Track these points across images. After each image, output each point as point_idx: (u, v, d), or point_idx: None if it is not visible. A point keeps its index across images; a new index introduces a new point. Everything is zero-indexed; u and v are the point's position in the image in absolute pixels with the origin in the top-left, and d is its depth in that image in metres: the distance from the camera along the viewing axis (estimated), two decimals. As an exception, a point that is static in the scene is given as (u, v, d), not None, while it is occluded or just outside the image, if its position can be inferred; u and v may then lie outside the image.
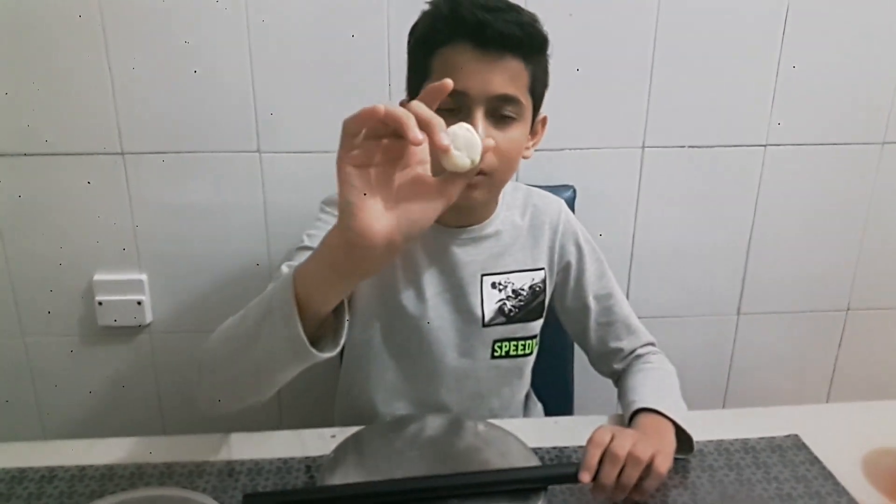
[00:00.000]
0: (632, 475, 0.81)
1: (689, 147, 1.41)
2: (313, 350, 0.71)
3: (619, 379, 1.13)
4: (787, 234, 1.51)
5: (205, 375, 0.85)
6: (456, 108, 0.91)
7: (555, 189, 1.20)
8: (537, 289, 1.09)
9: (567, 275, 1.12)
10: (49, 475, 0.90)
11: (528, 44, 0.91)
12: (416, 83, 0.96)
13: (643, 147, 1.40)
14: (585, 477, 0.80)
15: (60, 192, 1.33)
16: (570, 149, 1.39)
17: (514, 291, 1.08)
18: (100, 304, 1.40)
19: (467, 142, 0.68)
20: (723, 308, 1.57)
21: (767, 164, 1.44)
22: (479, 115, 0.90)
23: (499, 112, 0.92)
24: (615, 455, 0.81)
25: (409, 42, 0.98)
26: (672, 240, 1.49)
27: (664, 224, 1.47)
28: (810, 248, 1.53)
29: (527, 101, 0.94)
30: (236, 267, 1.38)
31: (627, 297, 1.47)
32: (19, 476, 0.90)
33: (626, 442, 0.82)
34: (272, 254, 1.39)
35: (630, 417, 0.97)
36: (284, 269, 0.98)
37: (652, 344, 1.15)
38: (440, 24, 0.92)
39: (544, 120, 1.03)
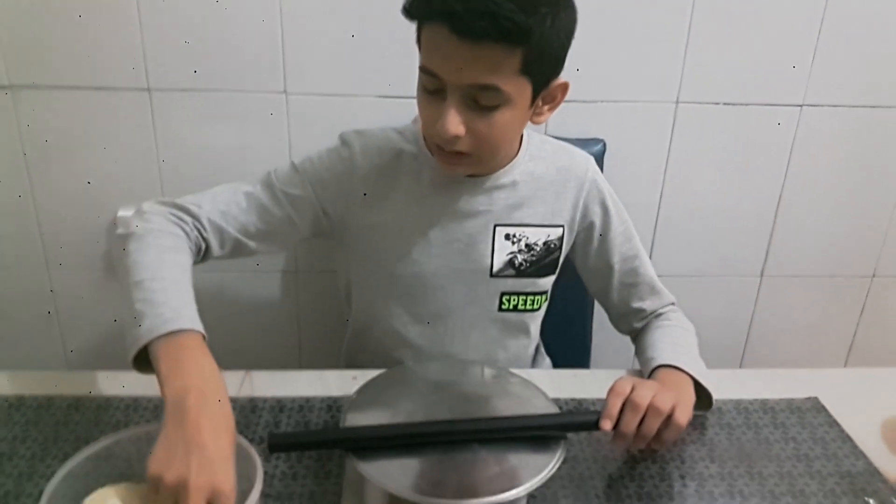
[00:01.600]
0: (652, 425, 0.82)
1: (724, 104, 1.38)
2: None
3: (637, 336, 1.13)
4: (816, 198, 1.49)
5: (116, 250, 0.90)
6: (435, 90, 0.89)
7: (584, 143, 1.18)
8: (552, 245, 1.08)
9: (590, 234, 1.10)
10: (76, 404, 0.92)
11: (509, 32, 0.81)
12: (417, 42, 0.91)
13: (677, 102, 1.37)
14: (606, 425, 0.81)
15: (87, 127, 1.32)
16: (601, 101, 1.36)
17: (527, 245, 1.06)
18: (123, 240, 1.41)
19: None
20: (746, 269, 1.55)
21: (802, 124, 1.41)
22: (452, 104, 0.87)
23: (479, 101, 0.87)
24: (636, 404, 0.81)
25: None
26: (700, 198, 1.47)
27: (693, 182, 1.45)
28: (840, 213, 1.51)
29: (516, 85, 0.87)
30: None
31: (651, 255, 1.47)
32: (46, 404, 0.92)
33: (647, 392, 0.82)
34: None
35: (649, 374, 0.97)
36: (260, 177, 1.03)
37: (672, 304, 1.14)
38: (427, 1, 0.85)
39: (564, 86, 0.94)
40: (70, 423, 0.89)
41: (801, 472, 0.85)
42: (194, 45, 1.27)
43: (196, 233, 0.95)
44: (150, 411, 0.91)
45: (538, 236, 1.06)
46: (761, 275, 1.56)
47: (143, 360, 0.77)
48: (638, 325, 1.13)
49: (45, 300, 1.47)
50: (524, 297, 1.09)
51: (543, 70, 0.89)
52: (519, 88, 0.87)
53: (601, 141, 1.29)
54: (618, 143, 1.32)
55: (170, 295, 0.81)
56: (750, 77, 1.37)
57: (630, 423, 0.81)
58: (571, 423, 0.83)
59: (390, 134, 1.06)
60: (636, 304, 1.13)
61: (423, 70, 0.88)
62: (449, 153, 0.93)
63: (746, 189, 1.47)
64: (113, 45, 1.27)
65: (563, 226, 1.08)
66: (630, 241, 1.12)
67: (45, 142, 1.33)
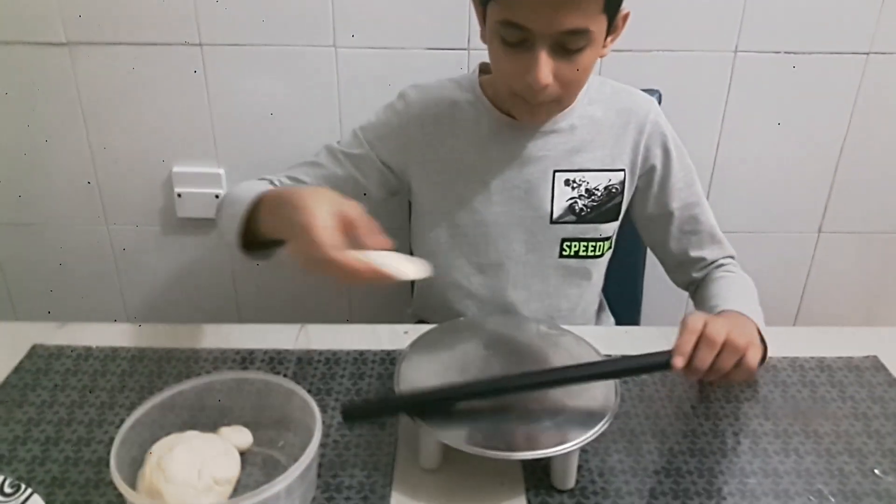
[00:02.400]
0: (727, 361, 0.81)
1: (785, 53, 1.33)
2: (241, 253, 0.91)
3: (697, 288, 1.11)
4: (879, 151, 1.43)
5: (217, 217, 1.03)
6: (519, 42, 0.87)
7: (639, 93, 1.15)
8: (614, 190, 1.06)
9: (651, 178, 1.08)
10: (139, 355, 0.95)
11: None
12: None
13: (735, 51, 1.32)
14: (679, 362, 0.78)
15: (141, 82, 1.34)
16: (657, 50, 1.32)
17: (587, 191, 1.05)
18: (179, 196, 1.44)
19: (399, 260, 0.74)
20: (803, 226, 1.51)
21: (868, 74, 1.35)
22: (543, 55, 0.87)
23: (567, 46, 0.87)
24: (712, 340, 0.80)
25: None
26: (757, 152, 1.43)
27: (751, 135, 1.41)
28: (903, 167, 1.45)
29: (599, 23, 0.87)
30: (311, 163, 1.39)
31: (705, 208, 1.44)
32: (112, 355, 0.95)
33: (721, 328, 0.81)
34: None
35: None
36: (323, 148, 1.09)
37: (732, 256, 1.12)
38: None
39: (626, 16, 0.94)
40: (135, 373, 0.92)
41: (858, 431, 0.84)
42: (245, 1, 1.27)
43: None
44: (209, 363, 0.94)
45: (599, 181, 1.05)
46: (819, 231, 1.51)
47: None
48: (697, 275, 1.11)
49: (105, 255, 1.52)
50: (585, 244, 1.08)
51: (619, 2, 0.89)
52: (600, 25, 0.88)
53: (656, 91, 1.25)
54: (673, 94, 1.28)
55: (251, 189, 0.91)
56: (812, 24, 1.31)
57: (705, 360, 0.80)
58: (642, 365, 0.82)
59: (446, 83, 1.07)
60: (695, 253, 1.10)
61: (507, 24, 0.86)
62: (535, 103, 0.93)
63: (806, 142, 1.42)
64: (165, 1, 1.27)
65: (623, 170, 1.06)
66: (691, 187, 1.10)
67: (100, 98, 1.36)
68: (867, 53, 1.33)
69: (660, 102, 1.25)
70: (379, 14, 1.29)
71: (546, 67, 0.87)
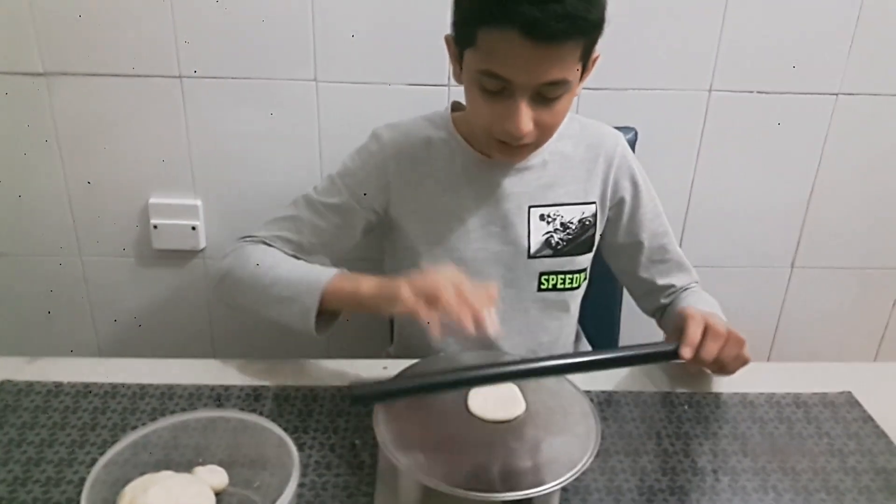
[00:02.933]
0: (731, 352, 0.88)
1: (758, 93, 1.36)
2: (316, 336, 0.94)
3: (664, 312, 1.15)
4: (850, 188, 1.46)
5: (226, 289, 1.04)
6: (498, 91, 0.89)
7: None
8: (587, 223, 1.08)
9: (621, 210, 1.11)
10: (112, 391, 0.93)
11: (584, 29, 0.84)
12: (462, 38, 0.91)
13: (710, 90, 1.35)
14: (687, 353, 0.84)
15: (119, 114, 1.34)
16: (634, 89, 1.35)
17: (562, 224, 1.07)
18: (155, 227, 1.42)
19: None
20: (777, 261, 1.54)
21: (837, 113, 1.38)
22: (523, 104, 0.88)
23: (546, 95, 0.89)
24: (717, 332, 0.86)
25: None
26: (731, 188, 1.45)
27: (725, 171, 1.43)
28: (873, 203, 1.48)
29: (576, 71, 0.89)
30: (290, 196, 1.37)
31: (681, 244, 1.45)
32: (84, 391, 0.93)
33: (721, 322, 0.88)
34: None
35: None
36: (300, 198, 1.08)
37: (696, 282, 1.17)
38: (488, 3, 0.84)
39: (596, 59, 0.95)
40: (108, 410, 0.90)
41: (835, 468, 0.85)
42: (225, 34, 1.28)
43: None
44: (184, 399, 0.92)
45: (573, 214, 1.07)
46: (792, 266, 1.54)
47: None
48: (665, 301, 1.15)
49: (78, 287, 1.49)
50: (563, 276, 1.10)
51: (592, 49, 0.91)
52: (576, 74, 0.90)
53: (632, 129, 1.27)
54: (649, 132, 1.31)
55: (299, 271, 0.98)
56: (785, 65, 1.34)
57: (711, 350, 0.86)
58: (652, 353, 0.87)
59: (418, 121, 1.08)
60: (663, 281, 1.14)
61: (487, 73, 0.87)
62: (514, 147, 0.95)
63: (779, 179, 1.45)
64: (145, 32, 1.27)
65: (595, 202, 1.09)
66: (658, 217, 1.13)
67: (77, 129, 1.35)
68: (836, 94, 1.37)
69: (636, 139, 1.27)
70: (360, 49, 1.30)
71: (526, 116, 0.89)
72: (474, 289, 0.82)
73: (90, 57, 1.29)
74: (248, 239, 1.07)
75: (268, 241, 1.06)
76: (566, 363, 0.82)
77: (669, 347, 0.84)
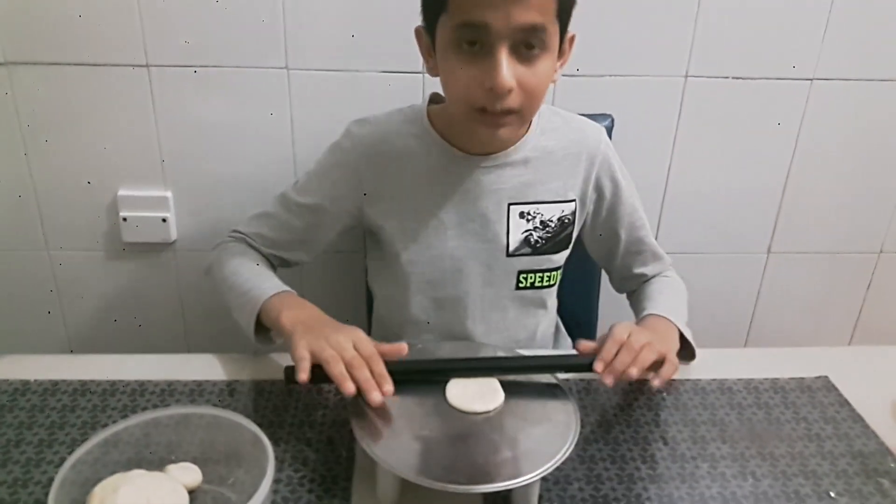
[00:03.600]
0: (646, 359, 0.87)
1: (734, 78, 1.36)
2: (260, 346, 0.97)
3: (633, 293, 1.17)
4: (825, 173, 1.47)
5: (210, 283, 1.07)
6: (476, 43, 0.86)
7: (592, 117, 1.15)
8: (566, 221, 1.07)
9: (600, 206, 1.10)
10: (81, 388, 0.91)
11: None
12: (433, 8, 0.90)
13: (686, 76, 1.35)
14: (599, 366, 0.86)
15: (85, 104, 1.30)
16: (610, 75, 1.34)
17: (542, 223, 1.05)
18: (124, 220, 1.39)
19: None
20: (753, 246, 1.54)
21: (812, 98, 1.39)
22: (503, 55, 0.85)
23: (525, 44, 0.86)
24: (631, 347, 0.87)
25: None
26: (708, 174, 1.45)
27: (701, 158, 1.43)
28: (848, 189, 1.49)
29: (554, 29, 0.88)
30: (263, 187, 1.36)
31: (657, 230, 1.47)
32: (52, 388, 0.91)
33: (642, 338, 0.88)
34: (298, 172, 1.36)
35: (639, 320, 1.03)
36: (294, 196, 1.07)
37: (669, 265, 1.18)
38: None
39: (572, 39, 0.94)
40: (77, 407, 0.88)
41: (812, 453, 0.85)
42: (193, 21, 1.25)
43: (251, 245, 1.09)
44: (156, 395, 0.90)
45: (552, 212, 1.05)
46: (768, 251, 1.55)
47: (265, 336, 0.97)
48: (635, 287, 1.17)
49: (46, 282, 1.46)
50: (540, 275, 1.08)
51: (569, 12, 0.90)
52: (554, 30, 0.88)
53: (609, 116, 1.27)
54: (626, 119, 1.30)
55: (251, 282, 0.99)
56: (760, 51, 1.34)
57: (623, 361, 0.86)
58: (567, 364, 0.92)
59: (392, 116, 1.05)
60: (639, 270, 1.15)
61: (463, 25, 0.85)
62: (496, 113, 0.90)
63: (755, 164, 1.45)
64: (110, 20, 1.24)
65: (574, 200, 1.07)
66: (637, 212, 1.13)
67: (42, 120, 1.31)
68: (811, 79, 1.37)
69: (612, 126, 1.27)
70: (332, 36, 1.28)
71: (508, 68, 0.85)
72: (373, 356, 0.83)
73: (53, 45, 1.25)
74: (234, 234, 1.09)
75: (248, 239, 1.08)
76: (486, 366, 0.89)
77: (585, 361, 0.87)
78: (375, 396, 0.79)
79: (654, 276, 1.15)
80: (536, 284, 1.09)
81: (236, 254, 1.05)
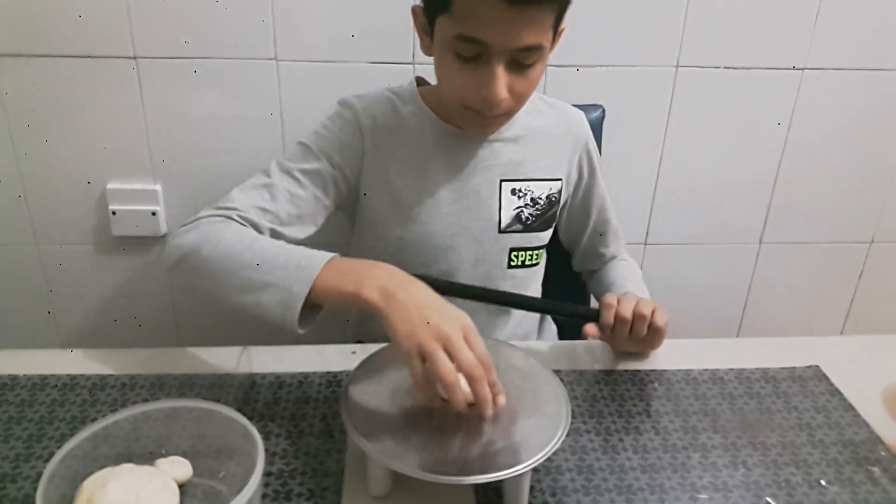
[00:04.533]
0: (640, 330, 0.93)
1: (725, 68, 1.36)
2: (299, 331, 0.81)
3: (594, 273, 1.21)
4: (816, 163, 1.47)
5: (187, 269, 0.88)
6: (474, 56, 0.87)
7: (583, 108, 1.16)
8: (553, 199, 1.09)
9: (579, 186, 1.14)
10: (71, 383, 0.90)
11: None
12: (434, 4, 0.89)
13: (677, 66, 1.35)
14: (592, 329, 0.94)
15: (72, 97, 1.29)
16: (600, 66, 1.34)
17: (532, 200, 1.07)
18: (113, 213, 1.38)
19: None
20: (745, 237, 1.54)
21: (803, 88, 1.39)
22: (500, 69, 0.87)
23: (521, 61, 0.88)
24: (622, 317, 0.92)
25: None
26: (699, 164, 1.45)
27: (692, 148, 1.43)
28: (839, 179, 1.50)
29: (550, 36, 0.90)
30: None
31: (648, 221, 1.46)
32: (41, 383, 0.90)
33: (629, 304, 0.93)
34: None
35: None
36: (273, 166, 1.00)
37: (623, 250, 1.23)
38: None
39: (562, 31, 0.94)
40: (66, 402, 0.87)
41: (803, 442, 0.85)
42: (181, 12, 1.24)
43: (244, 222, 0.93)
44: (146, 389, 0.90)
45: (542, 190, 1.07)
46: (760, 242, 1.55)
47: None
48: (595, 266, 1.22)
49: (35, 276, 1.45)
50: (530, 252, 1.10)
51: (561, 19, 0.91)
52: (549, 40, 0.90)
53: (600, 107, 1.26)
54: (617, 109, 1.30)
55: (286, 253, 0.84)
56: (751, 40, 1.34)
57: (622, 332, 0.93)
58: (573, 312, 0.99)
59: (385, 94, 1.06)
60: (602, 249, 1.19)
61: (463, 38, 0.86)
62: (489, 116, 0.93)
63: (746, 155, 1.45)
64: (98, 12, 1.23)
65: (561, 179, 1.10)
66: (605, 191, 1.16)
67: (29, 113, 1.30)
68: (802, 69, 1.37)
69: (603, 117, 1.26)
70: (321, 26, 1.27)
71: (503, 83, 0.88)
72: (486, 358, 0.74)
73: (39, 37, 1.24)
74: (215, 213, 0.93)
75: (242, 215, 0.93)
76: (497, 298, 1.01)
77: (591, 314, 0.95)
78: (489, 412, 0.72)
79: (612, 258, 1.19)
80: (527, 263, 1.10)
81: (236, 230, 0.90)
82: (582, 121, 1.12)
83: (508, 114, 0.96)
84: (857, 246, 1.58)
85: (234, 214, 0.93)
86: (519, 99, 0.93)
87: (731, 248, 1.55)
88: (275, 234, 0.96)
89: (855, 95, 1.41)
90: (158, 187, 1.38)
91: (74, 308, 1.49)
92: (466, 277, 1.07)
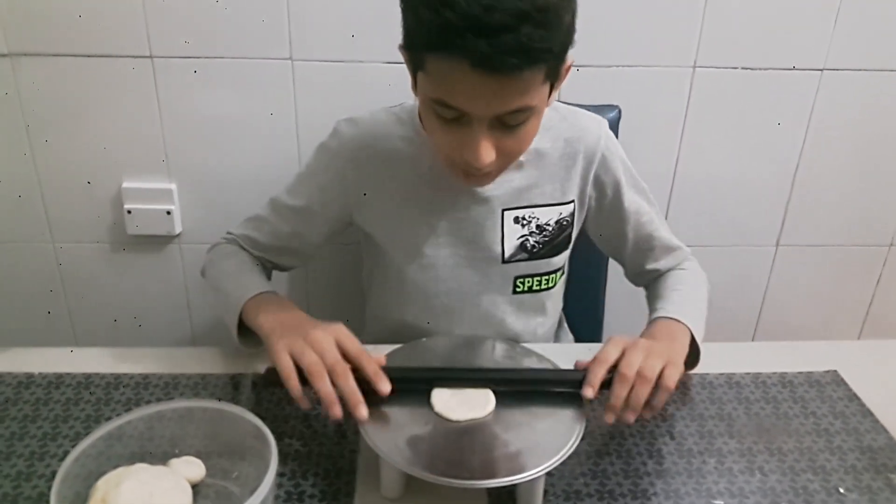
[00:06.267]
0: (640, 395, 0.79)
1: (743, 69, 1.34)
2: (244, 349, 0.94)
3: (648, 286, 1.11)
4: (835, 165, 1.45)
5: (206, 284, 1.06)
6: (455, 118, 0.80)
7: (599, 109, 1.14)
8: (565, 223, 1.03)
9: (602, 204, 1.05)
10: (85, 381, 0.91)
11: (542, 59, 0.75)
12: (412, 60, 0.83)
13: (694, 67, 1.33)
14: (588, 392, 0.79)
15: (88, 96, 1.30)
16: (617, 66, 1.32)
17: (538, 227, 1.02)
18: (129, 212, 1.39)
19: None
20: (762, 239, 1.53)
21: (822, 89, 1.37)
22: (482, 136, 0.80)
23: (508, 122, 0.81)
24: (624, 375, 0.79)
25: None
26: (716, 166, 1.44)
27: (709, 149, 1.42)
28: (858, 181, 1.47)
29: (541, 94, 0.80)
30: (268, 178, 1.35)
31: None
32: (56, 382, 0.91)
33: (635, 359, 0.80)
34: (303, 164, 1.35)
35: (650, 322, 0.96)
36: (284, 198, 1.05)
37: (686, 258, 1.11)
38: (430, 30, 0.74)
39: (570, 66, 0.84)
40: (80, 401, 0.88)
41: (821, 448, 0.84)
42: (197, 11, 1.24)
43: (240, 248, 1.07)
44: (160, 388, 0.90)
45: (549, 216, 1.02)
46: (777, 244, 1.53)
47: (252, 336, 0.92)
48: (650, 281, 1.11)
49: (52, 275, 1.46)
50: (538, 278, 1.05)
51: (560, 68, 0.82)
52: (542, 95, 0.81)
53: (616, 107, 1.25)
54: (633, 110, 1.28)
55: (234, 283, 0.97)
56: (769, 41, 1.33)
57: (619, 395, 0.79)
58: (559, 379, 0.84)
59: (382, 117, 1.01)
60: (651, 266, 1.10)
61: (440, 103, 0.80)
62: (478, 174, 0.87)
63: (763, 156, 1.43)
64: (114, 11, 1.23)
65: (573, 201, 1.03)
66: (642, 206, 1.07)
67: (45, 112, 1.31)
68: (822, 70, 1.35)
69: (619, 118, 1.25)
70: (336, 27, 1.26)
71: (486, 147, 0.81)
72: (361, 354, 0.79)
73: (56, 36, 1.24)
74: (227, 237, 1.09)
75: (239, 242, 1.07)
76: (483, 377, 0.84)
77: (578, 377, 0.81)
78: (362, 412, 0.75)
79: (668, 270, 1.09)
80: (534, 288, 1.06)
81: (226, 255, 1.04)
82: (599, 133, 1.02)
83: (500, 169, 0.89)
84: (876, 249, 1.56)
85: (235, 240, 1.08)
86: (509, 156, 0.86)
87: (747, 250, 1.53)
88: (262, 260, 1.07)
89: (875, 97, 1.39)
90: (173, 186, 1.38)
91: (89, 307, 1.50)
92: (471, 306, 1.05)
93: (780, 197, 1.48)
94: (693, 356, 0.92)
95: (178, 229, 1.41)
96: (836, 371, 0.98)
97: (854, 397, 0.93)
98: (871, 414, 0.90)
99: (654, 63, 1.33)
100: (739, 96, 1.37)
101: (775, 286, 1.58)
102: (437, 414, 0.78)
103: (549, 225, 1.02)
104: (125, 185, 1.37)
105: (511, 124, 0.81)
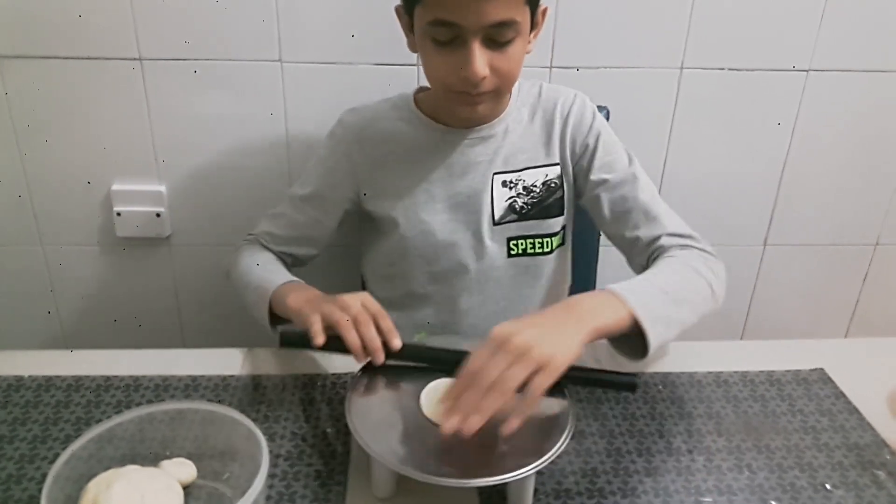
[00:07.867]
0: (490, 405, 0.71)
1: (729, 70, 1.35)
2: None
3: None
4: (821, 165, 1.47)
5: (231, 285, 1.10)
6: (449, 40, 0.91)
7: (587, 110, 1.16)
8: (552, 185, 1.09)
9: (581, 164, 1.09)
10: (76, 384, 0.91)
11: None
12: (409, 1, 0.95)
13: (681, 68, 1.35)
14: (447, 427, 0.71)
15: (77, 98, 1.29)
16: (605, 67, 1.34)
17: (525, 188, 1.08)
18: (118, 214, 1.39)
19: None
20: (749, 238, 1.54)
21: (808, 90, 1.38)
22: (476, 47, 0.90)
23: (497, 38, 0.91)
24: (478, 384, 0.72)
25: None
26: (704, 166, 1.45)
27: (697, 150, 1.43)
28: (844, 181, 1.49)
29: (524, 13, 0.92)
30: (258, 180, 1.35)
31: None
32: (46, 384, 0.91)
33: (494, 366, 0.72)
34: (293, 166, 1.36)
35: None
36: (297, 189, 1.12)
37: (681, 235, 1.03)
38: None
39: (545, 11, 0.98)
40: (70, 403, 0.87)
41: (808, 445, 0.85)
42: (186, 14, 1.24)
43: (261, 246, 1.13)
44: (150, 390, 0.90)
45: (535, 177, 1.08)
46: (764, 244, 1.55)
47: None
48: (640, 259, 1.04)
49: (41, 277, 1.45)
50: (532, 240, 1.10)
51: None
52: (525, 16, 0.92)
53: (604, 108, 1.26)
54: (621, 111, 1.29)
55: (261, 277, 1.03)
56: (756, 42, 1.34)
57: (466, 403, 0.72)
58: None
59: (381, 104, 1.11)
60: (630, 234, 1.03)
61: (437, 23, 0.90)
62: (473, 95, 0.96)
63: (751, 156, 1.45)
64: (103, 14, 1.23)
65: (558, 163, 1.09)
66: (616, 164, 1.06)
67: (34, 114, 1.30)
68: (808, 71, 1.37)
69: (608, 118, 1.26)
70: (326, 28, 1.27)
71: (481, 59, 0.91)
72: (380, 312, 0.86)
73: (45, 39, 1.24)
74: (248, 237, 1.14)
75: (259, 239, 1.13)
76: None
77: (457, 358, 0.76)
78: (380, 357, 0.82)
79: (654, 244, 1.01)
80: (529, 251, 1.11)
81: (249, 254, 1.10)
82: (574, 99, 1.09)
83: (497, 92, 0.98)
84: (862, 248, 1.57)
85: (256, 239, 1.13)
86: (504, 77, 0.95)
87: (735, 249, 1.54)
88: (287, 255, 1.13)
89: (860, 97, 1.40)
90: (163, 189, 1.38)
91: (79, 309, 1.49)
92: (470, 271, 1.10)
93: (767, 197, 1.50)
94: (640, 342, 0.85)
95: (167, 231, 1.41)
96: (822, 369, 0.99)
97: (841, 395, 0.94)
98: (858, 411, 0.91)
99: (642, 64, 1.34)
100: (726, 97, 1.38)
101: (763, 285, 1.59)
102: (426, 418, 0.78)
103: (535, 186, 1.08)
104: (115, 187, 1.37)
105: (500, 41, 0.91)
